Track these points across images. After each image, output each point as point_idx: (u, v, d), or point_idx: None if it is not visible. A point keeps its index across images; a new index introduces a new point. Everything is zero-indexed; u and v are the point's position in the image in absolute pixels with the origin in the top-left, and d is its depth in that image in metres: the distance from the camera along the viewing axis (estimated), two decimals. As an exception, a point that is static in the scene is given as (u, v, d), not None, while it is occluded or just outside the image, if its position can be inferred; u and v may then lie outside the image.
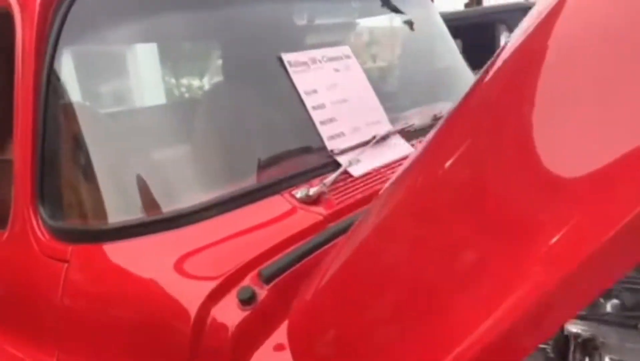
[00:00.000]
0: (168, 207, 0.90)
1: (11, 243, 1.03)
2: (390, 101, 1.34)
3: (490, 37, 4.34)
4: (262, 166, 1.03)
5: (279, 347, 0.72)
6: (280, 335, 0.73)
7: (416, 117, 1.46)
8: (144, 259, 0.85)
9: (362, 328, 0.53)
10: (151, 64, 1.02)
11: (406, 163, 0.65)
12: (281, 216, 0.90)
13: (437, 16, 1.89)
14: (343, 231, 0.87)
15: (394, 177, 0.66)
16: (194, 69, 1.14)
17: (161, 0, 1.07)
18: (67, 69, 0.96)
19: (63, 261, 0.90)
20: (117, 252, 0.87)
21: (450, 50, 1.88)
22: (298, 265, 0.78)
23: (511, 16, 3.56)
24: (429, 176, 0.56)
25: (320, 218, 0.89)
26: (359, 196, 0.98)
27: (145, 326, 0.79)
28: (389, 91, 1.63)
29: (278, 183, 0.97)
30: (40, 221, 0.96)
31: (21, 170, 0.99)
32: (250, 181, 0.97)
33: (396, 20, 1.81)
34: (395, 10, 1.68)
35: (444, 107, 1.63)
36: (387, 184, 0.68)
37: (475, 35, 3.55)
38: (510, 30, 3.59)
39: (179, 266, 0.81)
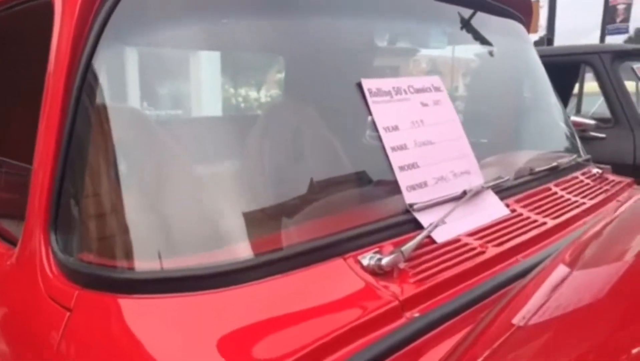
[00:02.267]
0: (202, 260, 0.70)
1: (18, 268, 0.87)
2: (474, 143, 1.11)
3: (570, 79, 4.01)
4: (324, 216, 0.82)
5: None
6: None
7: (507, 168, 1.22)
8: (169, 326, 0.65)
9: None
10: (205, 76, 0.84)
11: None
12: (344, 293, 0.68)
13: (532, 50, 1.64)
14: (428, 328, 0.64)
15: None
16: (252, 85, 0.96)
17: (223, 4, 0.90)
18: (106, 69, 0.80)
19: (66, 308, 0.72)
20: (136, 309, 0.68)
21: (545, 90, 1.62)
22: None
23: (599, 59, 3.23)
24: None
25: (396, 303, 0.67)
26: (444, 274, 0.75)
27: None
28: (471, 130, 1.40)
29: (341, 242, 0.75)
30: (49, 251, 0.79)
31: (38, 183, 0.83)
32: (308, 234, 0.76)
33: (485, 51, 1.58)
34: (484, 40, 1.45)
35: (537, 158, 1.38)
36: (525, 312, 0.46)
37: (554, 75, 3.25)
38: (597, 74, 3.26)
39: (212, 346, 0.61)
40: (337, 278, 0.71)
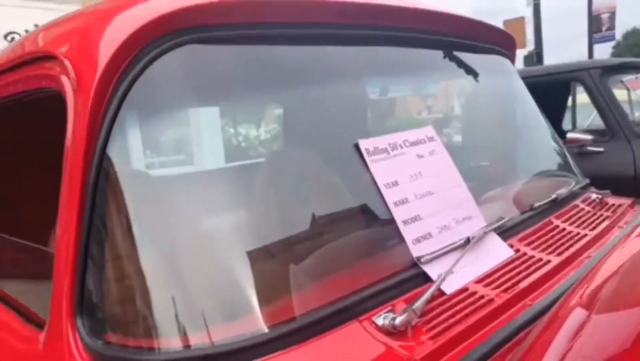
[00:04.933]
0: (221, 335, 0.73)
1: (46, 353, 0.90)
2: (471, 180, 1.14)
3: (562, 95, 4.08)
4: (335, 278, 0.85)
5: None
6: None
7: (507, 205, 1.26)
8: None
9: None
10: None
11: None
12: (364, 358, 0.71)
13: (519, 82, 1.70)
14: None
15: None
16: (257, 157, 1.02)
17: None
18: (120, 155, 0.85)
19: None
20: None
21: (535, 121, 1.67)
22: None
23: (588, 76, 3.30)
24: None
25: (413, 362, 0.70)
26: (457, 327, 0.78)
27: None
28: (468, 168, 1.43)
29: (355, 305, 0.78)
30: (77, 336, 0.82)
31: (61, 267, 0.87)
32: (321, 299, 0.80)
33: (473, 90, 1.64)
34: (473, 79, 1.51)
35: (535, 191, 1.41)
36: None
37: (546, 94, 3.30)
38: (588, 90, 3.32)
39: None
40: (354, 343, 0.73)
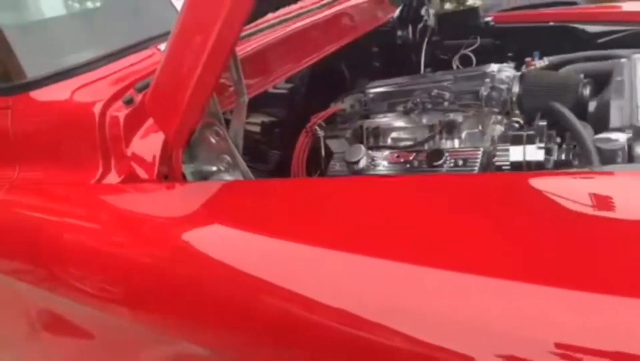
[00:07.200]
0: (69, 62, 1.36)
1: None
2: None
3: None
4: (138, 30, 1.49)
5: (146, 132, 1.24)
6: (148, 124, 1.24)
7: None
8: (65, 94, 1.31)
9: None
10: None
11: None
12: (149, 59, 1.38)
13: None
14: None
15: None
16: None
17: None
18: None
19: (7, 108, 1.35)
20: (42, 95, 1.33)
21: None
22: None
23: None
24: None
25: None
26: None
27: (68, 132, 1.27)
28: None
29: (147, 41, 1.43)
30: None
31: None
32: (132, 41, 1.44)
33: None
34: None
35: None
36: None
37: None
38: None
39: (85, 93, 1.29)
40: (145, 55, 1.39)
